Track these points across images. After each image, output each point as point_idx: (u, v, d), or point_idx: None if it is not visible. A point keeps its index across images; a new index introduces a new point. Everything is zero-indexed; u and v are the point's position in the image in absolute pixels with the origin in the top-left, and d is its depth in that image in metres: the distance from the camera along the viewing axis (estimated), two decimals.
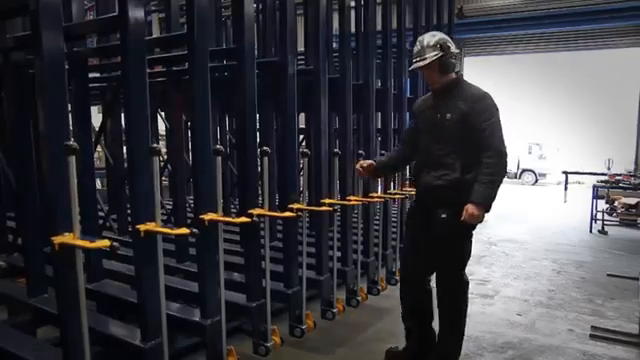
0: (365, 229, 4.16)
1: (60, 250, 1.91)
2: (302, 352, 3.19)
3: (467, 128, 2.64)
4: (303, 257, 3.29)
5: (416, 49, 2.75)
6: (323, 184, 3.53)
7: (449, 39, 2.74)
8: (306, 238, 3.40)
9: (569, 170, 9.49)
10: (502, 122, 2.66)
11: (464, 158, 2.66)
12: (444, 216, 2.67)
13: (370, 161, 3.12)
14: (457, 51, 2.77)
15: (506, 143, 2.63)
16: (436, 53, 2.65)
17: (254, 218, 2.74)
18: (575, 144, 17.39)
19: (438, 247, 2.76)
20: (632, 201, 8.40)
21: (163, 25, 7.96)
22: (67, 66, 2.33)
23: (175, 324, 2.61)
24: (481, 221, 2.65)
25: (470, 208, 2.57)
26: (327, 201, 3.44)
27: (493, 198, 2.63)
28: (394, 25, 4.81)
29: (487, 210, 2.64)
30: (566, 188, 9.21)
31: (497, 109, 2.68)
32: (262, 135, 4.10)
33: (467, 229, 2.70)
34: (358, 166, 3.10)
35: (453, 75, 2.76)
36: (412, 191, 4.36)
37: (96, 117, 4.66)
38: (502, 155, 2.60)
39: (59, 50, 2.03)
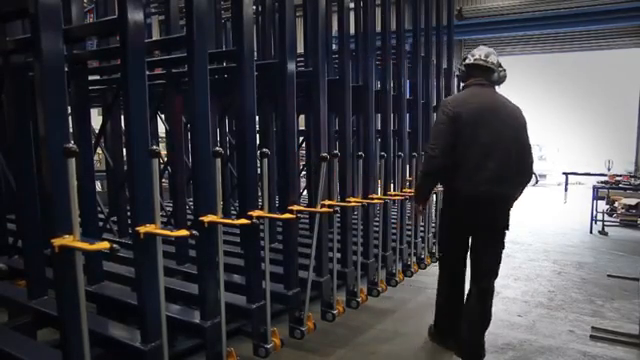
0: (365, 230, 4.16)
1: (60, 252, 1.91)
2: (302, 353, 3.19)
3: None
4: (308, 259, 3.28)
5: None
6: None
7: (470, 54, 3.40)
8: (306, 240, 3.40)
9: (569, 171, 9.50)
10: (437, 123, 3.09)
11: None
12: None
13: None
14: (463, 64, 3.39)
15: (432, 144, 3.02)
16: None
17: (254, 220, 2.74)
18: (575, 145, 17.40)
19: None
20: (632, 202, 8.41)
21: (163, 27, 7.97)
22: (67, 68, 2.33)
23: (175, 326, 2.61)
24: (417, 203, 3.33)
25: None
26: (327, 202, 3.44)
27: (417, 189, 3.44)
28: (393, 26, 4.81)
29: (415, 198, 3.36)
30: (566, 189, 9.22)
31: (440, 111, 3.12)
32: (262, 137, 4.10)
33: (443, 217, 3.32)
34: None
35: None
36: (411, 193, 4.36)
37: (96, 119, 4.68)
38: (425, 153, 3.16)
39: (59, 53, 2.03)
